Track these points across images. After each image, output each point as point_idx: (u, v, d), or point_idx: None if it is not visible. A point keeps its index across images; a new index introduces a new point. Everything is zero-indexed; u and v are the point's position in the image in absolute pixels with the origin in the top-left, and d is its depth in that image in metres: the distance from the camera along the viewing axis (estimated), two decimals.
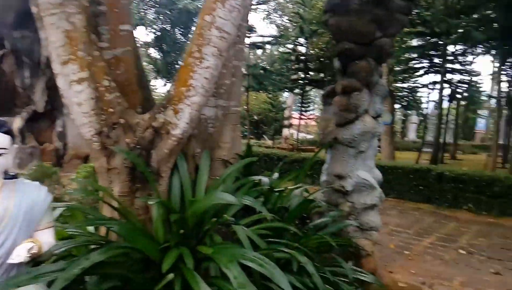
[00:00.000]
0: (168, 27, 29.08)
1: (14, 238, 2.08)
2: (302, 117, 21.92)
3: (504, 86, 15.64)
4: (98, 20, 3.25)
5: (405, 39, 18.29)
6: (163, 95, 25.98)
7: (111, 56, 3.30)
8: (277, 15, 32.82)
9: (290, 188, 4.36)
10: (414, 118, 33.27)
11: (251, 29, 16.70)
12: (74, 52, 2.81)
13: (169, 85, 29.05)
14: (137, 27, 26.87)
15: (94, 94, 2.89)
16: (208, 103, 3.54)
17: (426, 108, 23.85)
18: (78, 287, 2.36)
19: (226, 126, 4.02)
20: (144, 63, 22.70)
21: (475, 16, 13.90)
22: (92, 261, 2.21)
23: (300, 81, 19.35)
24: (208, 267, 2.73)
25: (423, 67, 18.35)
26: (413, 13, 16.65)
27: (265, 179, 4.26)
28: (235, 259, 2.39)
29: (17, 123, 9.85)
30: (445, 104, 18.30)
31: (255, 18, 66.50)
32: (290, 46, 20.69)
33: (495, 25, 12.09)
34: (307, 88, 20.81)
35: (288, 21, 29.30)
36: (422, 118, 30.43)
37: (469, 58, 19.85)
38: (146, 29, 28.74)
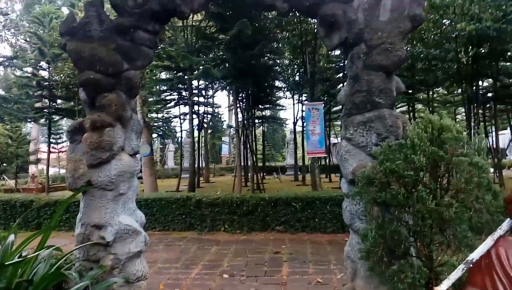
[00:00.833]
0: None
1: None
2: (53, 150, 19.01)
3: (239, 115, 18.72)
4: None
5: (156, 71, 19.12)
6: None
7: None
8: (9, 33, 27.63)
9: (32, 255, 3.37)
10: (171, 146, 35.17)
11: None
12: None
13: None
14: None
15: None
16: None
17: (181, 136, 25.61)
18: None
19: None
20: None
21: (212, 55, 16.07)
22: None
23: (45, 110, 16.75)
24: None
25: (174, 99, 19.71)
26: (159, 47, 17.69)
27: None
28: None
29: None
30: (196, 133, 20.18)
31: None
32: (29, 70, 17.83)
33: (228, 64, 14.28)
34: (55, 117, 18.34)
35: (24, 41, 25.16)
36: (178, 146, 32.53)
37: (211, 92, 22.79)
38: None
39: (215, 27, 14.63)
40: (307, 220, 9.03)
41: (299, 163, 24.99)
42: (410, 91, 15.41)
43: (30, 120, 18.58)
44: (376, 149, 3.58)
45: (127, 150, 4.30)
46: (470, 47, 10.87)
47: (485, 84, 16.99)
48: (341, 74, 18.72)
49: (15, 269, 3.04)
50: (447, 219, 2.90)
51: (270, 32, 15.09)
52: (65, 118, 21.73)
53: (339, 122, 23.85)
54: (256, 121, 24.02)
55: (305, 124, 16.03)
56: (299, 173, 23.42)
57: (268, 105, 23.34)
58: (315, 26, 15.65)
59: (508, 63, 13.77)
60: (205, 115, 21.88)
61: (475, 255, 2.71)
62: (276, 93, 23.08)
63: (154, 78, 18.63)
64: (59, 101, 18.12)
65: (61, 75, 15.72)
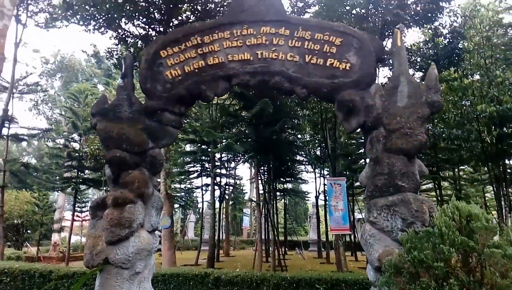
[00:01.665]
0: None
1: None
2: (77, 218, 19.18)
3: (260, 188, 18.71)
4: None
5: (181, 144, 19.84)
6: None
7: None
8: (47, 107, 29.92)
9: None
10: (192, 217, 34.89)
11: (11, 120, 14.18)
12: None
13: None
14: None
15: None
16: None
17: (202, 207, 25.52)
18: None
19: None
20: None
21: (234, 130, 16.63)
22: None
23: (73, 180, 17.31)
24: None
25: (197, 171, 20.06)
26: (185, 121, 18.56)
27: None
28: None
29: None
30: (217, 204, 20.09)
31: (19, 108, 58.53)
32: (61, 141, 18.91)
33: (250, 139, 14.66)
34: (82, 187, 18.85)
35: (59, 115, 27.11)
36: (199, 217, 32.27)
37: (233, 164, 23.13)
38: None
39: (238, 105, 15.33)
40: None
41: (322, 239, 24.01)
42: (434, 169, 15.12)
43: (58, 189, 19.16)
44: (402, 235, 3.42)
45: (146, 226, 4.30)
46: (493, 127, 10.82)
47: None
48: (362, 150, 18.75)
49: None
50: None
51: (291, 110, 15.64)
52: (91, 188, 22.29)
53: (362, 197, 23.31)
54: (278, 193, 23.82)
55: (327, 199, 15.72)
56: (322, 249, 22.40)
57: (290, 179, 23.28)
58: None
59: None
60: (227, 187, 21.96)
61: None
62: (298, 167, 23.13)
63: (179, 150, 19.24)
64: (86, 171, 18.78)
65: (91, 147, 16.49)
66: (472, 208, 3.09)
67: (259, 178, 16.45)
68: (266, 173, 17.68)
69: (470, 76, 11.57)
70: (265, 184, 17.24)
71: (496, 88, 9.75)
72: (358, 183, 21.12)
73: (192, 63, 4.62)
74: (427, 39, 11.73)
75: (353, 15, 11.04)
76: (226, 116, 15.64)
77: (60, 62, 29.83)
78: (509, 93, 9.51)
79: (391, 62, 12.62)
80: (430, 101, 3.95)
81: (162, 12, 12.19)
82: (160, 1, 11.80)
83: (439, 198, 15.45)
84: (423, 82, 4.15)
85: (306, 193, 31.96)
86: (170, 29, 11.63)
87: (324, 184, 21.23)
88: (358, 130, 4.47)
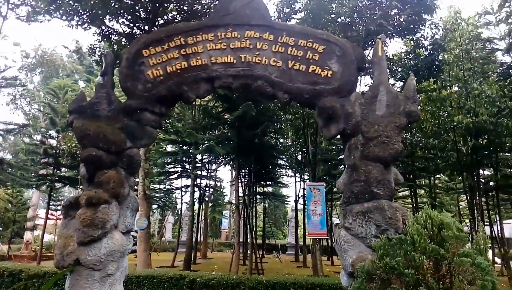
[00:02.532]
0: None
1: None
2: (51, 217, 18.64)
3: (240, 190, 18.67)
4: None
5: (162, 144, 19.62)
6: None
7: None
8: (25, 102, 29.05)
9: None
10: (171, 218, 34.44)
11: None
12: None
13: None
14: None
15: None
16: None
17: (181, 208, 25.25)
18: None
19: None
20: None
21: (216, 132, 16.57)
22: None
23: (48, 177, 16.84)
24: None
25: (177, 172, 19.87)
26: (167, 121, 18.38)
27: None
28: None
29: None
30: (196, 206, 19.92)
31: None
32: (38, 137, 18.36)
33: (231, 142, 14.62)
34: (58, 185, 18.35)
35: (38, 110, 26.38)
36: (177, 218, 31.90)
37: (214, 166, 23.00)
38: None
39: (221, 107, 15.29)
40: None
41: (300, 243, 24.14)
42: (411, 177, 15.45)
43: (32, 186, 18.62)
44: (375, 241, 3.47)
45: (120, 228, 4.22)
46: (469, 138, 11.15)
47: (487, 172, 17.08)
48: (342, 156, 18.97)
49: None
50: None
51: (273, 114, 15.69)
52: (67, 186, 21.74)
53: None
54: (258, 197, 23.82)
55: (306, 204, 15.83)
56: (300, 253, 22.50)
57: (270, 182, 23.33)
58: None
59: (507, 154, 13.98)
60: (207, 189, 21.82)
61: None
62: (278, 171, 23.21)
63: (160, 150, 19.01)
64: (63, 169, 18.29)
65: (69, 145, 16.10)
66: (444, 217, 3.17)
67: (240, 180, 16.43)
68: (246, 176, 17.66)
69: (448, 87, 11.90)
70: (246, 187, 17.23)
71: (473, 100, 10.06)
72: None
73: (174, 63, 4.58)
74: (409, 50, 12.01)
75: (337, 23, 11.19)
76: (209, 117, 15.56)
77: (40, 57, 29.04)
78: (485, 105, 9.83)
79: (371, 71, 12.92)
80: (407, 111, 4.04)
81: (148, 10, 12.05)
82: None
83: (414, 205, 15.79)
84: (401, 92, 4.24)
85: (286, 197, 32.08)
86: (155, 28, 11.50)
87: (304, 189, 21.39)
88: (338, 136, 4.54)
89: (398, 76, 12.29)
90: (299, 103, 4.81)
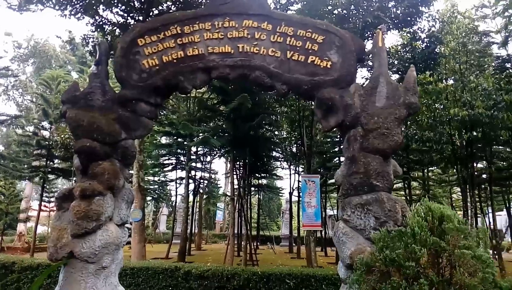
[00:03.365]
0: None
1: None
2: (44, 208, 18.48)
3: (235, 183, 18.63)
4: None
5: (156, 136, 19.48)
6: None
7: None
8: (17, 93, 28.65)
9: None
10: (165, 210, 34.40)
11: None
12: None
13: None
14: None
15: None
16: None
17: (175, 200, 25.22)
18: None
19: None
20: None
21: (212, 124, 16.46)
22: None
23: (41, 169, 16.66)
24: None
25: (172, 164, 19.77)
26: (162, 113, 18.21)
27: None
28: None
29: None
30: (191, 198, 19.88)
31: None
32: (31, 129, 18.15)
33: (227, 134, 14.54)
34: (51, 177, 18.18)
35: (30, 101, 26.01)
36: (171, 210, 31.87)
37: (209, 158, 22.93)
38: None
39: (217, 98, 15.16)
40: None
41: (294, 234, 24.27)
42: (405, 170, 15.51)
43: (25, 177, 18.42)
44: (374, 234, 3.44)
45: (115, 220, 4.15)
46: (464, 131, 11.17)
47: (480, 165, 17.22)
48: (337, 148, 19.00)
49: None
50: None
51: (269, 106, 15.61)
52: (61, 178, 21.56)
53: (335, 195, 23.69)
54: (252, 189, 23.83)
55: (301, 196, 15.86)
56: (294, 244, 22.63)
57: (265, 174, 23.34)
58: (312, 103, 16.31)
59: (501, 147, 14.07)
60: (202, 181, 21.77)
61: None
62: (273, 163, 23.20)
63: (154, 142, 18.87)
64: (56, 160, 18.11)
65: (62, 136, 15.91)
66: (445, 209, 3.15)
67: (235, 173, 16.38)
68: (241, 168, 17.62)
69: (444, 80, 11.88)
70: (240, 179, 17.19)
71: (469, 93, 10.05)
72: (331, 181, 21.47)
73: (170, 53, 4.47)
74: (405, 43, 11.95)
75: (334, 15, 11.08)
76: (204, 109, 15.44)
77: (33, 47, 28.57)
78: (481, 98, 9.83)
79: (370, 63, 12.84)
80: (407, 102, 3.99)
81: (142, 0, 11.83)
82: None
83: (408, 197, 15.88)
84: (401, 84, 4.19)
85: (281, 189, 32.17)
86: (150, 19, 11.31)
87: (299, 181, 21.42)
88: (335, 129, 4.49)
89: (395, 69, 12.25)
90: (298, 94, 4.74)
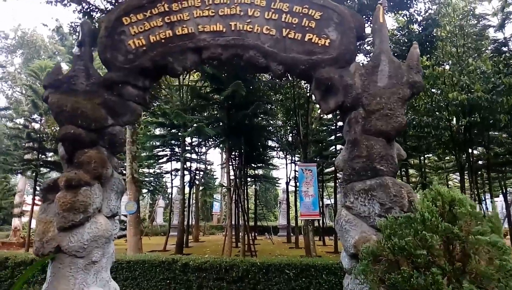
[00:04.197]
0: None
1: None
2: (38, 202, 18.16)
3: (231, 173, 18.43)
4: None
5: (150, 127, 19.15)
6: None
7: None
8: (6, 85, 28.08)
9: None
10: (161, 202, 34.19)
11: None
12: None
13: None
14: None
15: None
16: None
17: (171, 192, 25.00)
18: None
19: None
20: None
21: (206, 114, 16.16)
22: None
23: (33, 162, 16.33)
24: None
25: (166, 155, 19.48)
26: (155, 104, 17.87)
27: None
28: None
29: None
30: (187, 189, 19.67)
31: None
32: (22, 121, 17.78)
33: (221, 123, 14.28)
34: (43, 170, 17.86)
35: (20, 93, 25.49)
36: (168, 202, 31.68)
37: (204, 149, 22.67)
38: None
39: (210, 87, 14.85)
40: (301, 289, 8.31)
41: (291, 224, 24.21)
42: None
43: (17, 171, 18.07)
44: (380, 221, 3.23)
45: (104, 211, 3.90)
46: (462, 116, 10.98)
47: (476, 152, 17.13)
48: (333, 137, 18.82)
49: None
50: None
51: (263, 94, 15.32)
52: (54, 171, 21.24)
53: (331, 183, 23.60)
54: (249, 179, 23.65)
55: (298, 185, 15.71)
56: (291, 234, 22.59)
57: (261, 164, 23.15)
58: (308, 91, 16.07)
59: (496, 133, 13.93)
60: (197, 172, 21.54)
61: None
62: (269, 153, 23.00)
63: (148, 133, 18.56)
64: (48, 153, 17.76)
65: (52, 128, 15.55)
66: (455, 193, 2.94)
67: (230, 163, 16.15)
68: (237, 158, 17.40)
69: (442, 64, 11.64)
70: (236, 170, 16.98)
71: (467, 76, 9.83)
72: (328, 170, 21.34)
73: (158, 32, 4.18)
74: (402, 26, 11.67)
75: None
76: (197, 98, 15.12)
77: (20, 38, 27.87)
78: (479, 82, 9.62)
79: (365, 48, 12.56)
80: (411, 81, 3.75)
81: None
82: None
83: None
84: (403, 62, 3.95)
85: (277, 179, 32.05)
86: None
87: (295, 170, 21.27)
88: (330, 115, 4.27)
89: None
90: (294, 74, 4.49)
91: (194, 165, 20.61)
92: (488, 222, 2.83)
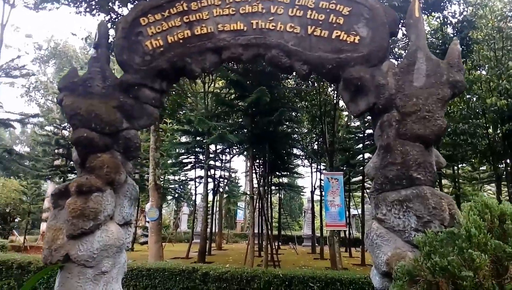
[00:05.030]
0: None
1: None
2: None
3: (255, 181, 18.16)
4: None
5: (175, 135, 19.26)
6: None
7: None
8: (39, 94, 29.23)
9: None
10: (186, 209, 34.32)
11: None
12: None
13: None
14: None
15: None
16: None
17: (195, 199, 25.01)
18: None
19: None
20: None
21: (230, 121, 16.03)
22: None
23: (61, 168, 16.74)
24: None
25: (191, 162, 19.48)
26: (180, 112, 17.95)
27: None
28: None
29: None
30: (211, 197, 19.53)
31: (11, 94, 57.70)
32: (52, 128, 18.34)
33: (245, 130, 14.09)
34: (70, 176, 18.30)
35: (52, 102, 26.43)
36: (192, 209, 31.76)
37: (228, 157, 22.58)
38: None
39: (234, 94, 14.72)
40: None
41: (316, 234, 23.57)
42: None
43: (46, 177, 18.56)
44: (418, 236, 2.84)
45: (116, 219, 3.70)
46: (500, 122, 10.25)
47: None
48: (360, 145, 18.22)
49: None
50: None
51: (288, 101, 15.03)
52: None
53: (359, 193, 22.85)
54: (273, 188, 23.29)
55: (324, 195, 15.23)
56: (316, 244, 21.96)
57: (285, 173, 22.75)
58: (334, 97, 15.64)
59: None
60: (221, 179, 21.41)
61: None
62: (294, 161, 22.57)
63: (174, 141, 18.67)
64: None
65: None
66: (506, 206, 2.53)
67: (254, 171, 15.89)
68: (261, 166, 17.12)
69: (478, 68, 10.97)
70: (260, 178, 16.69)
71: (507, 80, 9.16)
72: (355, 179, 20.65)
73: (176, 32, 4.00)
74: (435, 29, 11.11)
75: None
76: (221, 105, 15.02)
77: (53, 48, 29.02)
78: None
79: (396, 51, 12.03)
80: (452, 80, 3.36)
81: None
82: None
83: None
84: (443, 60, 3.57)
85: (302, 187, 31.46)
86: None
87: (320, 179, 20.73)
88: (358, 122, 3.93)
89: None
90: (321, 75, 4.18)
91: (218, 173, 20.52)
92: None
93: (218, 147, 19.51)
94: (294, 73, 4.09)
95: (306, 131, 20.87)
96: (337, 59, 3.68)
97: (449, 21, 10.51)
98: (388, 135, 3.36)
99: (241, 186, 35.28)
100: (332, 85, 15.34)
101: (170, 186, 26.00)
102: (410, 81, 3.46)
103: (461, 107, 10.60)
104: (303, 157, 22.51)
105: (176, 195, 29.57)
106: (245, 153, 19.37)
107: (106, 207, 3.51)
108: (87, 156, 3.62)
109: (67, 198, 3.55)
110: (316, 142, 21.17)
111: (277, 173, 21.16)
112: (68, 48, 28.94)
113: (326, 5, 3.85)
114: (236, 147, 18.57)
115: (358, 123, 18.19)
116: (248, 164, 21.15)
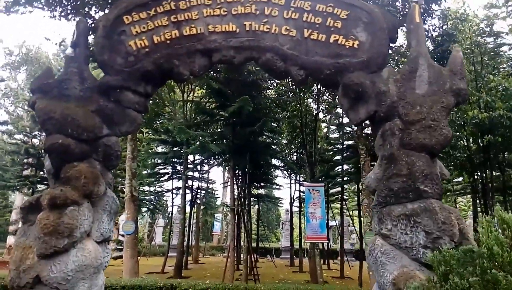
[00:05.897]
0: None
1: None
2: None
3: (235, 193, 17.78)
4: None
5: (152, 144, 18.66)
6: None
7: None
8: (8, 101, 27.90)
9: None
10: (161, 221, 33.29)
11: None
12: None
13: None
14: None
15: None
16: None
17: (171, 211, 24.26)
18: None
19: None
20: None
21: (209, 131, 15.68)
22: None
23: (30, 179, 15.81)
24: None
25: (168, 173, 18.89)
26: (157, 121, 17.44)
27: None
28: None
29: None
30: (188, 208, 18.94)
31: None
32: (21, 136, 17.39)
33: (225, 140, 13.77)
34: (41, 187, 17.33)
35: (22, 110, 25.22)
36: (168, 221, 30.87)
37: (206, 167, 22.12)
38: None
39: (215, 102, 14.42)
40: None
41: (295, 246, 23.31)
42: None
43: (14, 188, 17.49)
44: (431, 255, 2.63)
45: (94, 236, 3.31)
46: (480, 135, 10.42)
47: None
48: (339, 157, 18.24)
49: None
50: None
51: (270, 111, 14.86)
52: None
53: (338, 205, 22.84)
54: (252, 199, 22.94)
55: (305, 206, 15.06)
56: (294, 257, 21.68)
57: (265, 184, 22.48)
58: (315, 108, 15.60)
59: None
60: (199, 191, 20.88)
61: None
62: (273, 172, 22.35)
63: (150, 151, 18.09)
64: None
65: None
66: None
67: (234, 182, 15.54)
68: (240, 177, 16.79)
69: None
70: (240, 189, 16.34)
71: (488, 93, 9.34)
72: (333, 190, 20.62)
73: (163, 32, 3.71)
74: None
75: None
76: (202, 114, 14.66)
77: (25, 54, 27.83)
78: (501, 99, 9.12)
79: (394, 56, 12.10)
80: (455, 88, 3.23)
81: None
82: None
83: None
84: (445, 67, 3.44)
85: (280, 199, 31.24)
86: None
87: (299, 191, 20.60)
88: (336, 134, 3.74)
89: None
90: (318, 80, 3.98)
91: (196, 184, 20.00)
92: None
93: (197, 157, 19.04)
94: (289, 78, 3.86)
95: (286, 142, 20.75)
96: (335, 64, 3.49)
97: (429, 34, 10.68)
98: (391, 145, 3.17)
99: (218, 197, 34.68)
100: (313, 96, 15.37)
101: (145, 197, 25.19)
102: (412, 88, 3.30)
103: None
104: (283, 168, 22.35)
105: (151, 207, 28.69)
106: (224, 163, 19.01)
107: (82, 223, 3.12)
108: (62, 165, 3.23)
109: (39, 212, 3.14)
110: (296, 153, 21.07)
111: (257, 184, 20.90)
112: (41, 54, 27.85)
113: (323, 8, 3.67)
114: (215, 158, 18.19)
115: (336, 135, 18.26)
116: (226, 175, 20.76)
